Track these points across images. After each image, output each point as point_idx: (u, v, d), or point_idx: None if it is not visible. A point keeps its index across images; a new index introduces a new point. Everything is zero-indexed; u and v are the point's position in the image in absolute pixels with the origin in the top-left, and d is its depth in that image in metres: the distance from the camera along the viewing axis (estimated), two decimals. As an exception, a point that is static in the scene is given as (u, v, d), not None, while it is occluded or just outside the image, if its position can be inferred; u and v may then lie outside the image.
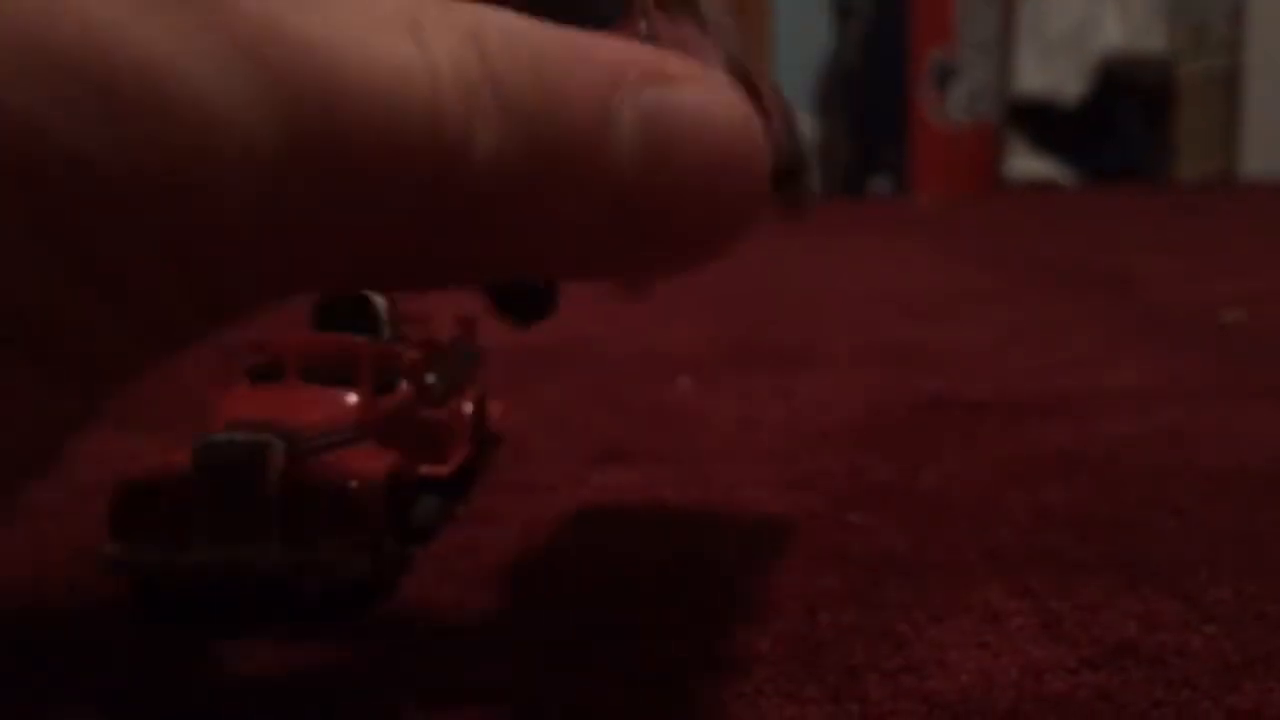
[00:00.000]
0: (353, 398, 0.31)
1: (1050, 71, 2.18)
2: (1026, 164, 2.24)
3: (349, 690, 0.25)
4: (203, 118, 0.13)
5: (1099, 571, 0.31)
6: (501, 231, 0.16)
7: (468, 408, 0.38)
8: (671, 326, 0.72)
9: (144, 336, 0.14)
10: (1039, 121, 2.25)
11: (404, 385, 0.34)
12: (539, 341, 0.67)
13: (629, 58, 0.16)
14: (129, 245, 0.13)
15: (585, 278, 0.18)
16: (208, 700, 0.24)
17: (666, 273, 0.19)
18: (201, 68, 0.13)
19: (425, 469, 0.34)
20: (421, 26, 0.14)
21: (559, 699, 0.24)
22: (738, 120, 0.17)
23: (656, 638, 0.27)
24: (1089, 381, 0.56)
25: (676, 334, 0.70)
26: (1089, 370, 0.58)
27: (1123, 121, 2.29)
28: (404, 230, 0.15)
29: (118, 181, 0.12)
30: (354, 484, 0.28)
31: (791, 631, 0.27)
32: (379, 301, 0.34)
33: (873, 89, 2.08)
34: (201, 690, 0.25)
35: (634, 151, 0.16)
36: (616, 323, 0.74)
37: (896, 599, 0.29)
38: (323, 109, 0.13)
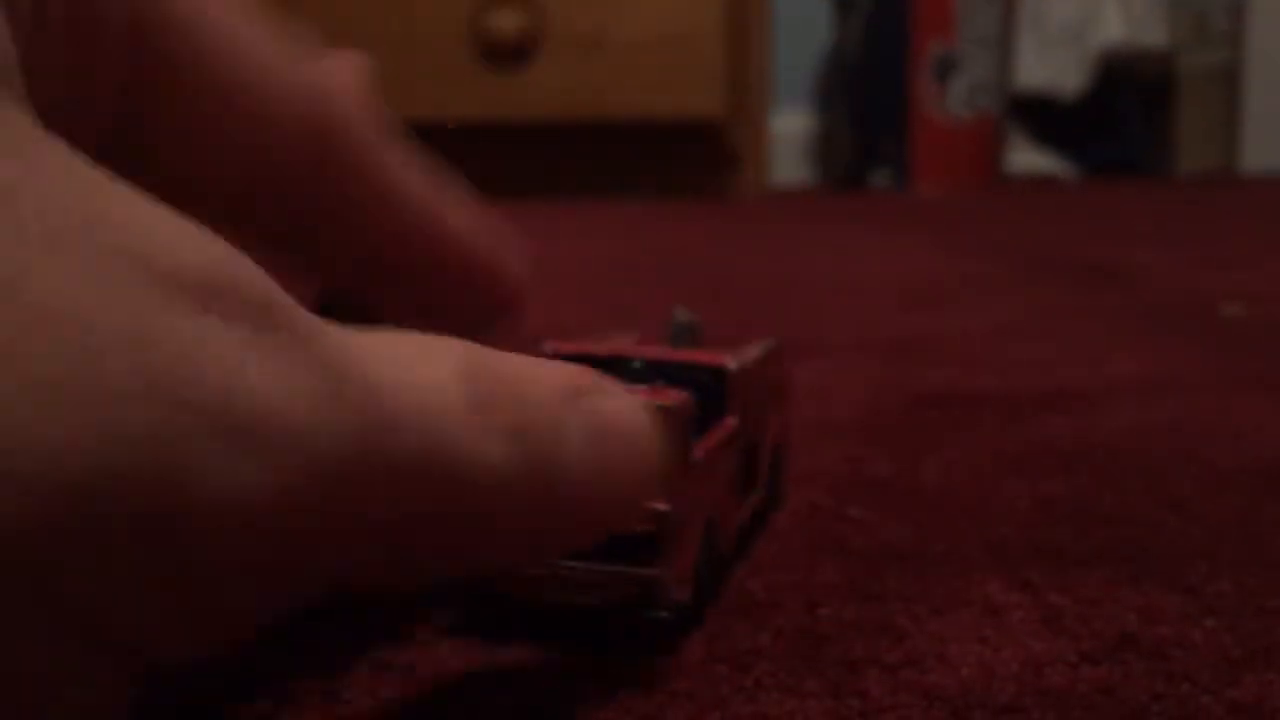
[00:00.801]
0: None
1: (1050, 65, 2.18)
2: (1026, 158, 2.24)
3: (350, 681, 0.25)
4: (301, 447, 0.15)
5: (1099, 565, 0.31)
6: (487, 536, 0.18)
7: None
8: (660, 318, 0.72)
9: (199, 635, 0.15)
10: (1039, 116, 2.25)
11: None
12: (531, 332, 0.67)
13: (564, 373, 0.19)
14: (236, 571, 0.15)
15: (494, 562, 0.21)
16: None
17: (561, 550, 0.22)
18: (299, 406, 0.15)
19: None
20: (441, 362, 0.17)
21: (556, 689, 0.24)
22: (646, 423, 0.21)
23: (654, 629, 0.27)
24: (1090, 374, 0.55)
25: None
26: (1090, 363, 0.58)
27: (1123, 116, 2.29)
28: (426, 532, 0.17)
29: (239, 512, 0.14)
30: None
31: (791, 625, 0.27)
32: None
33: (873, 82, 2.08)
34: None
35: (583, 454, 0.19)
36: (612, 312, 0.74)
37: (897, 592, 0.29)
38: (382, 433, 0.16)
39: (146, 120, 0.21)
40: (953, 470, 0.40)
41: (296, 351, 0.15)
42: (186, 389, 0.14)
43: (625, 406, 0.20)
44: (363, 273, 0.26)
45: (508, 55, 1.74)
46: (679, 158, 1.88)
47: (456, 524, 0.17)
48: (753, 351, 0.33)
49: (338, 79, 0.21)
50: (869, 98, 2.10)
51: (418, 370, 0.17)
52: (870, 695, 0.24)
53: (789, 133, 2.20)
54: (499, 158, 1.88)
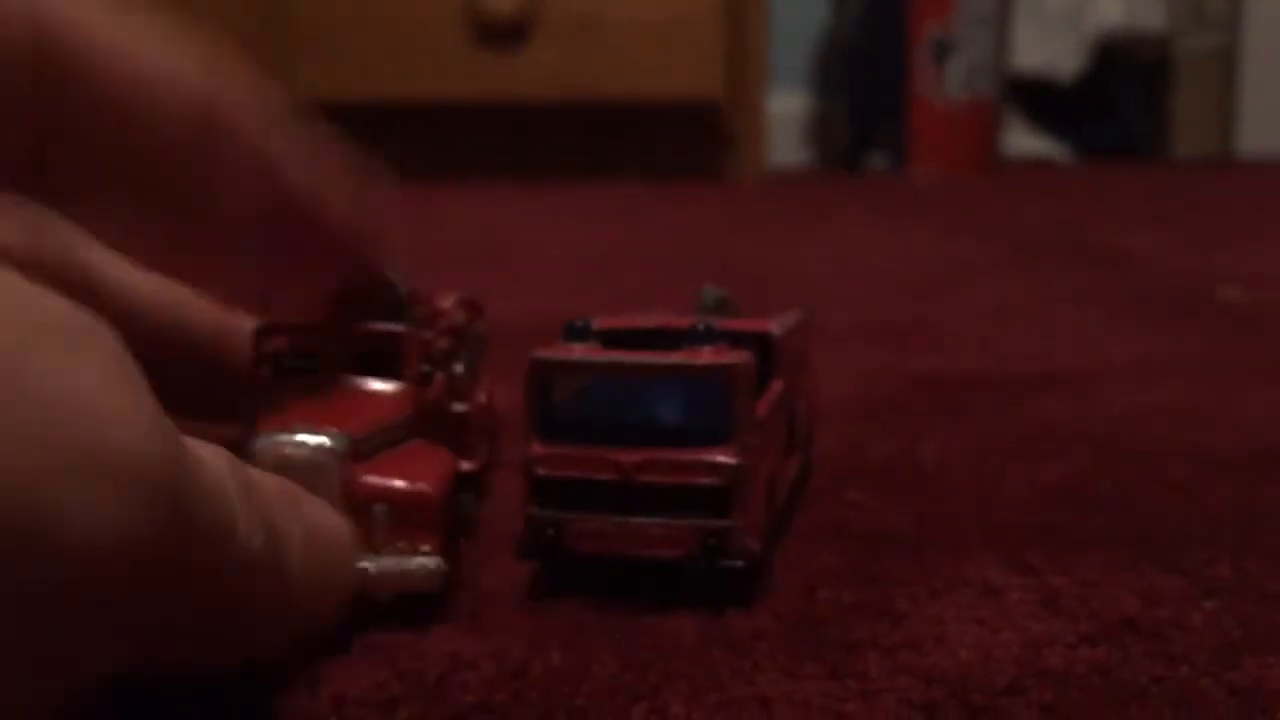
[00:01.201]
0: (401, 391, 0.29)
1: (1048, 48, 2.18)
2: (1023, 141, 2.23)
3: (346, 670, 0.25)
4: (154, 484, 0.16)
5: (1098, 547, 0.31)
6: (245, 619, 0.20)
7: (483, 396, 0.36)
8: (665, 301, 0.72)
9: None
10: (1036, 98, 2.24)
11: (439, 376, 0.31)
12: (527, 320, 0.67)
13: (280, 481, 0.22)
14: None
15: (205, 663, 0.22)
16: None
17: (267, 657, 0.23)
18: (154, 448, 0.16)
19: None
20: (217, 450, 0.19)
21: (556, 672, 0.24)
22: (344, 529, 0.24)
23: (655, 612, 0.27)
24: (1087, 357, 0.55)
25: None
26: (1087, 346, 0.58)
27: (1120, 99, 2.28)
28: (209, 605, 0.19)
29: (99, 551, 0.15)
30: (426, 488, 0.26)
31: (791, 607, 0.27)
32: (399, 283, 0.31)
33: (871, 65, 2.07)
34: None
35: (302, 552, 0.21)
36: (604, 298, 0.74)
37: (895, 575, 0.29)
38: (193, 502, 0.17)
39: (51, 151, 0.22)
40: (951, 453, 0.40)
41: (144, 396, 0.16)
42: (55, 430, 0.14)
43: (331, 516, 0.24)
44: (249, 248, 0.27)
45: (504, 36, 1.73)
46: (676, 139, 1.88)
47: (227, 603, 0.19)
48: (790, 320, 0.34)
49: (222, 72, 0.22)
50: (866, 80, 2.09)
51: (204, 450, 0.18)
52: (869, 677, 0.24)
53: (786, 115, 2.19)
54: (495, 139, 1.87)
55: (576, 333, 0.29)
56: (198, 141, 0.22)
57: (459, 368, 0.33)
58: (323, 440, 0.26)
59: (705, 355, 0.27)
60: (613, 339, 0.29)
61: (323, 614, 0.23)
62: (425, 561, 0.26)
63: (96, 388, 0.15)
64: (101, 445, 0.15)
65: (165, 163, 0.23)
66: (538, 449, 0.28)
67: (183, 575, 0.17)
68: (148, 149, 0.22)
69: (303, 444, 0.26)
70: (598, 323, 0.30)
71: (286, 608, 0.21)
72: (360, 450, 0.26)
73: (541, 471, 0.28)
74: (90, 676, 0.16)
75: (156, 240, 0.25)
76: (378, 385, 0.29)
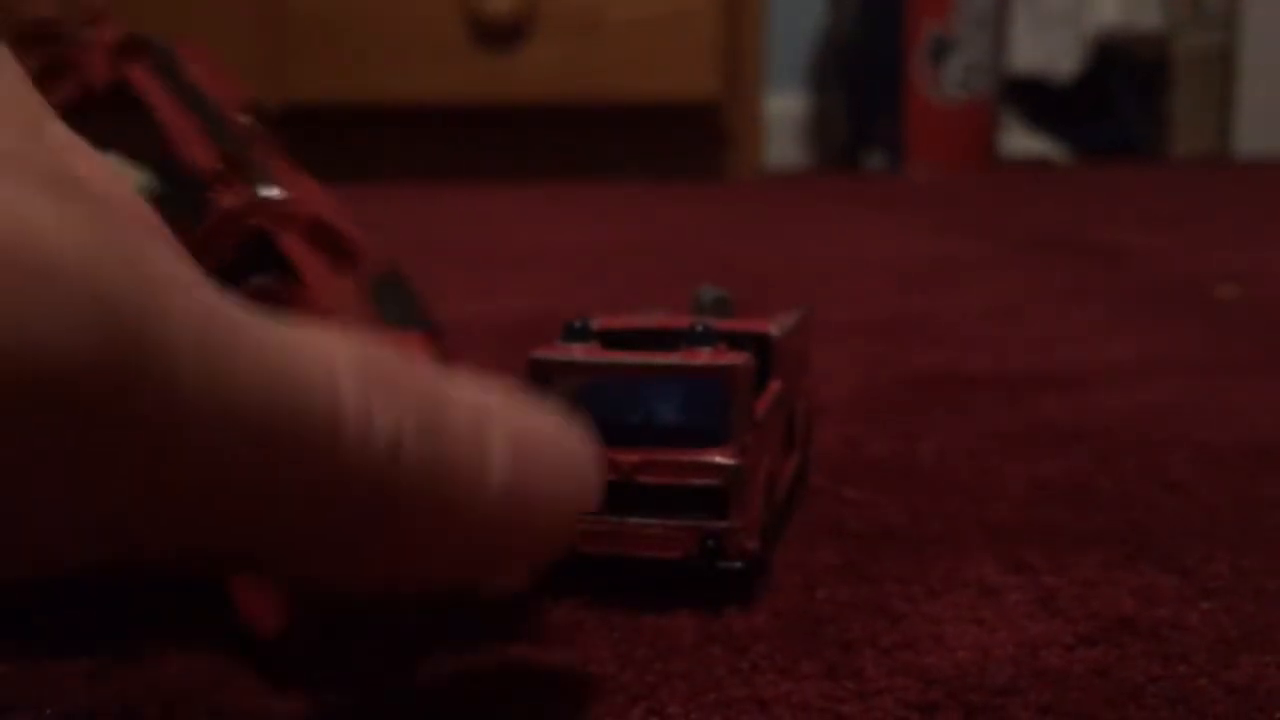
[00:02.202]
0: None
1: (1045, 47, 2.18)
2: (1021, 140, 2.23)
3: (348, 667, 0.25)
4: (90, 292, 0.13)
5: (1096, 546, 0.31)
6: (395, 532, 0.17)
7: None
8: (664, 300, 0.72)
9: None
10: (1034, 98, 2.24)
11: None
12: (525, 319, 0.67)
13: (485, 391, 0.18)
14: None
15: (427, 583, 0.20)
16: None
17: (501, 576, 0.21)
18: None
19: None
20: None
21: (555, 672, 0.24)
22: (574, 440, 0.19)
23: (654, 612, 0.27)
24: (1085, 355, 0.55)
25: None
26: (1085, 344, 0.58)
27: (1117, 98, 2.28)
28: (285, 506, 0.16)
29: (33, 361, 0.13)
30: None
31: (788, 606, 0.27)
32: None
33: (868, 64, 2.07)
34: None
35: (505, 473, 0.17)
36: (602, 298, 0.74)
37: (893, 574, 0.29)
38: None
39: None
40: (949, 451, 0.40)
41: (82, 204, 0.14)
42: None
43: (551, 422, 0.19)
44: None
45: (501, 35, 1.73)
46: (674, 139, 1.88)
47: (324, 502, 0.16)
48: (788, 320, 0.34)
49: None
50: (864, 79, 2.09)
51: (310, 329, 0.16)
52: (866, 677, 0.24)
53: (784, 114, 2.19)
54: (492, 138, 1.87)
55: (575, 333, 0.29)
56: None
57: None
58: None
59: (704, 356, 0.27)
60: (612, 339, 0.29)
61: (555, 530, 0.19)
62: None
63: (13, 195, 0.13)
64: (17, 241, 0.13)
65: None
66: None
67: (176, 430, 0.14)
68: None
69: None
70: (597, 323, 0.30)
71: (477, 534, 0.18)
72: None
73: None
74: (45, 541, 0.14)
75: None
76: None
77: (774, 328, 0.32)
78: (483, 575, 0.20)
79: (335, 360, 0.16)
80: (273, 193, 0.27)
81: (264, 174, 0.27)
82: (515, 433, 0.18)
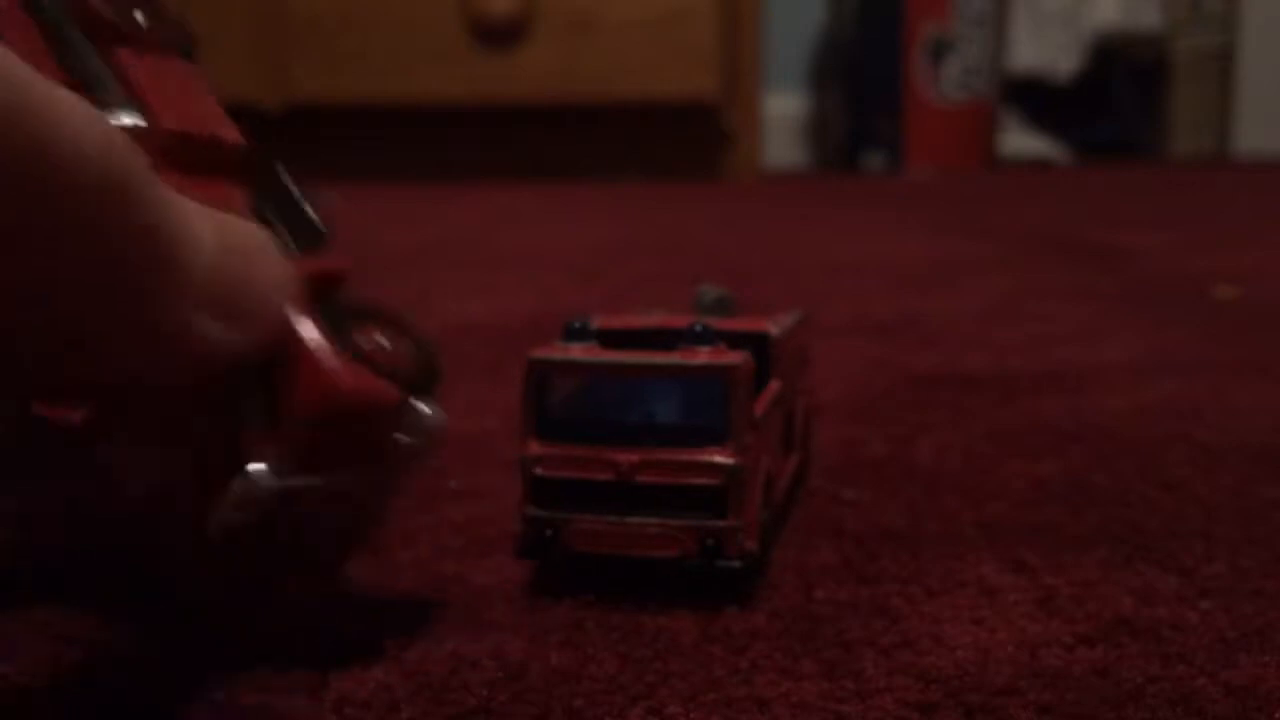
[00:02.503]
0: None
1: (1045, 47, 2.18)
2: (1020, 140, 2.24)
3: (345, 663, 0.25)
4: None
5: (1095, 546, 0.31)
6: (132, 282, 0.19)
7: None
8: (664, 300, 0.72)
9: None
10: (1033, 98, 2.24)
11: None
12: (524, 319, 0.67)
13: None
14: None
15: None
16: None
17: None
18: None
19: None
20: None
21: (554, 671, 0.24)
22: (268, 243, 0.23)
23: (653, 612, 0.27)
24: (1084, 355, 0.55)
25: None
26: (1083, 344, 0.58)
27: (1116, 98, 2.29)
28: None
29: None
30: None
31: (787, 606, 0.27)
32: None
33: (867, 64, 2.08)
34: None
35: (213, 246, 0.21)
36: (602, 298, 0.74)
37: (892, 574, 0.29)
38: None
39: None
40: (947, 451, 0.40)
41: None
42: None
43: (251, 228, 0.23)
44: None
45: (500, 36, 1.73)
46: (672, 139, 1.88)
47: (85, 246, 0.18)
48: (787, 320, 0.34)
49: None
50: (863, 79, 2.09)
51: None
52: (866, 677, 0.24)
53: (783, 114, 2.20)
54: (491, 138, 1.87)
55: (575, 333, 0.29)
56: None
57: None
58: None
59: (703, 355, 0.27)
60: (611, 339, 0.29)
61: (253, 313, 0.22)
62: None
63: None
64: None
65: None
66: (536, 449, 0.28)
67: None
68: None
69: None
70: (596, 322, 0.30)
71: (196, 293, 0.20)
72: None
73: (539, 471, 0.28)
74: None
75: None
76: None
77: (773, 327, 0.32)
78: (213, 349, 0.21)
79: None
80: (122, 121, 0.25)
81: (116, 96, 0.25)
82: (220, 224, 0.21)
